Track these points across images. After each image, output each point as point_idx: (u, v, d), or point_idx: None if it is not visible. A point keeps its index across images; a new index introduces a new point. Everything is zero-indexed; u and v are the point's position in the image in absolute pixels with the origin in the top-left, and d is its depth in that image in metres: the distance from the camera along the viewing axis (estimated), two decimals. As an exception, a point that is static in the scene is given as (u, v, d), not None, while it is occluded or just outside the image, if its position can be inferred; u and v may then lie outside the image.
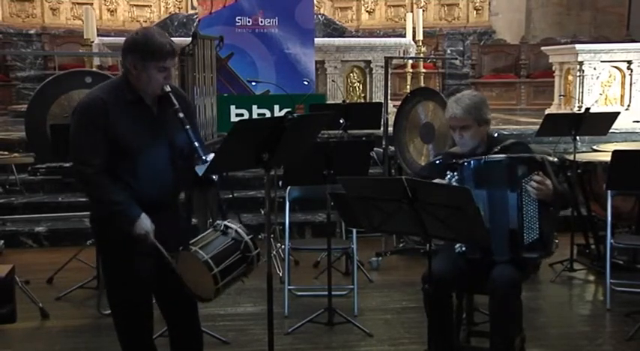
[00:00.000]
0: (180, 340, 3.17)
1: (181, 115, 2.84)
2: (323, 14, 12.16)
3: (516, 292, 3.21)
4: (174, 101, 2.86)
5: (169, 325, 3.19)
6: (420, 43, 9.63)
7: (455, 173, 3.32)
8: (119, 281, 2.99)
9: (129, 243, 2.86)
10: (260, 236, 5.43)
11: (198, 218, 4.93)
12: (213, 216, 4.73)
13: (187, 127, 2.84)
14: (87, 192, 3.03)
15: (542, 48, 9.43)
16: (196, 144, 2.84)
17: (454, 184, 3.28)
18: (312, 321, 4.26)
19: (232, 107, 6.96)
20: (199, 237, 2.91)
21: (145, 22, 12.61)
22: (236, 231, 2.89)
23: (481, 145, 3.45)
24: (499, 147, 3.42)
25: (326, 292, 4.33)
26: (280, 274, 4.95)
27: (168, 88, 2.86)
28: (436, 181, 3.28)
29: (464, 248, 3.32)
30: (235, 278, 2.89)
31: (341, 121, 5.52)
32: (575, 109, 7.58)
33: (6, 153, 6.20)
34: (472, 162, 3.30)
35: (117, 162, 2.84)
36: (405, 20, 10.70)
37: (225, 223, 2.93)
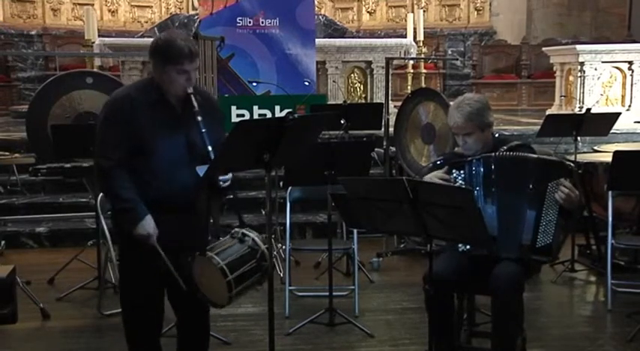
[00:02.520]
0: (187, 338, 3.22)
1: (199, 118, 2.90)
2: (324, 15, 12.15)
3: (519, 290, 3.20)
4: (195, 104, 2.92)
5: (179, 321, 3.24)
6: (421, 44, 9.61)
7: (461, 171, 3.31)
8: (134, 277, 3.03)
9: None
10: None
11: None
12: (215, 218, 4.72)
13: (203, 131, 2.89)
14: (101, 186, 3.09)
15: (543, 48, 9.42)
16: (209, 148, 2.87)
17: (459, 182, 3.27)
18: (313, 321, 4.27)
19: (233, 108, 6.94)
20: (216, 243, 2.96)
21: (146, 22, 12.62)
22: (253, 239, 2.95)
23: (485, 146, 3.43)
24: (505, 148, 3.40)
25: (327, 293, 4.34)
26: (281, 275, 4.95)
27: (190, 90, 2.92)
28: (439, 174, 3.27)
29: (467, 246, 3.31)
30: (249, 286, 2.93)
31: (342, 122, 5.52)
32: (576, 110, 7.57)
33: (7, 153, 6.21)
34: (481, 160, 3.28)
35: (138, 160, 2.90)
36: (405, 21, 10.68)
37: (243, 231, 2.98)
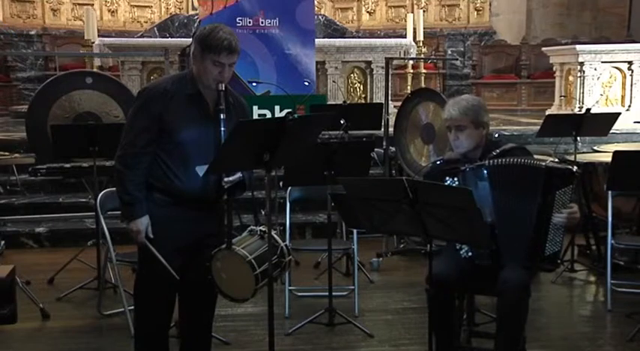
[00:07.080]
0: (191, 337, 3.27)
1: (222, 116, 2.93)
2: (324, 15, 12.16)
3: (526, 294, 3.20)
4: (222, 101, 2.95)
5: (186, 320, 3.28)
6: (421, 44, 9.62)
7: (455, 179, 3.30)
8: (151, 277, 3.06)
9: (169, 238, 2.98)
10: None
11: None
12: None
13: (222, 129, 2.92)
14: (116, 173, 3.05)
15: (543, 48, 9.41)
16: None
17: None
18: (313, 321, 4.27)
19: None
20: (238, 239, 3.02)
21: (146, 22, 12.62)
22: (272, 236, 2.99)
23: (478, 148, 3.42)
24: (498, 151, 3.38)
25: (327, 293, 4.34)
26: (281, 275, 4.95)
27: (221, 87, 2.94)
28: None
29: (470, 254, 3.31)
30: (268, 282, 2.97)
31: (342, 122, 5.52)
32: (576, 110, 7.56)
33: (7, 153, 6.22)
34: (474, 169, 3.26)
35: (165, 152, 2.94)
36: (405, 21, 10.69)
37: (262, 228, 3.03)
